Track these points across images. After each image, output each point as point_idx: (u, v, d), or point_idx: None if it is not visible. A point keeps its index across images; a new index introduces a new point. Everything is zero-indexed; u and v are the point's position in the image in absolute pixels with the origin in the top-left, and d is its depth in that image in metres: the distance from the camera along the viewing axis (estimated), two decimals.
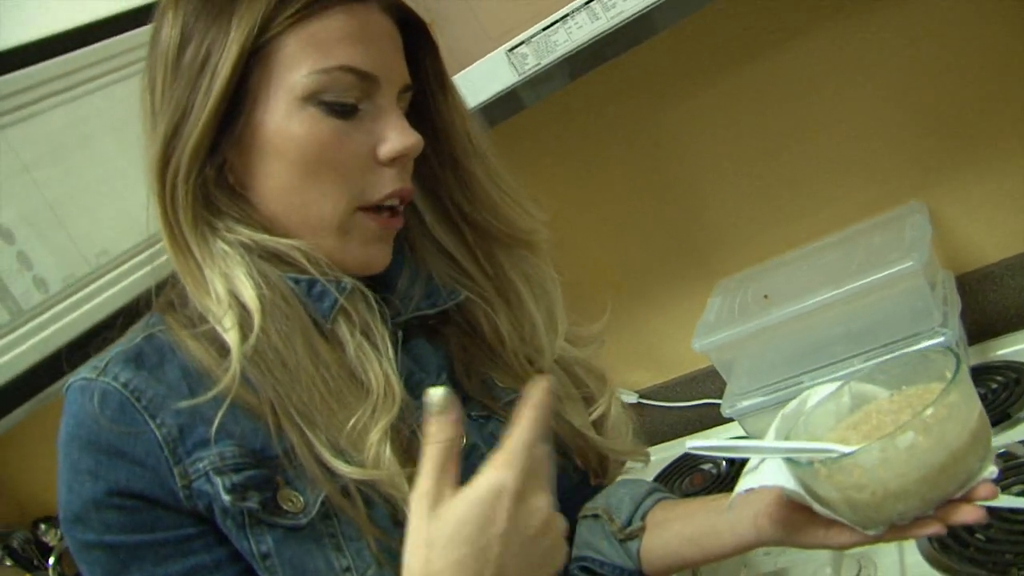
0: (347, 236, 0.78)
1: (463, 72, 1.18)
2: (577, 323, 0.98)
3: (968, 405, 0.68)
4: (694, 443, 0.75)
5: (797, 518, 0.75)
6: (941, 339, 1.20)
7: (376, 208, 0.78)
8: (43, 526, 2.40)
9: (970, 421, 0.68)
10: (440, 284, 0.88)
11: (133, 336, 0.77)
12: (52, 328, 1.43)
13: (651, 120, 1.48)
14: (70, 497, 0.71)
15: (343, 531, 0.73)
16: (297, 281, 0.76)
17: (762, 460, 0.75)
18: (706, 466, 1.50)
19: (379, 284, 0.84)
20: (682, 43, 1.38)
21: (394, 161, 0.77)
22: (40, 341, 1.41)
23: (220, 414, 0.70)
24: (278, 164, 0.75)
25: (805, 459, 0.70)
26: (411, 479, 0.69)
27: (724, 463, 1.48)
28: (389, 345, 0.76)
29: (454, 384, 0.87)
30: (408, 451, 0.73)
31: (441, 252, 0.89)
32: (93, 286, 1.49)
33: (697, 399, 1.61)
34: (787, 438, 0.77)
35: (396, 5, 0.79)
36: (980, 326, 1.39)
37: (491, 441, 0.85)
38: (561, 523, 0.68)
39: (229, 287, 0.73)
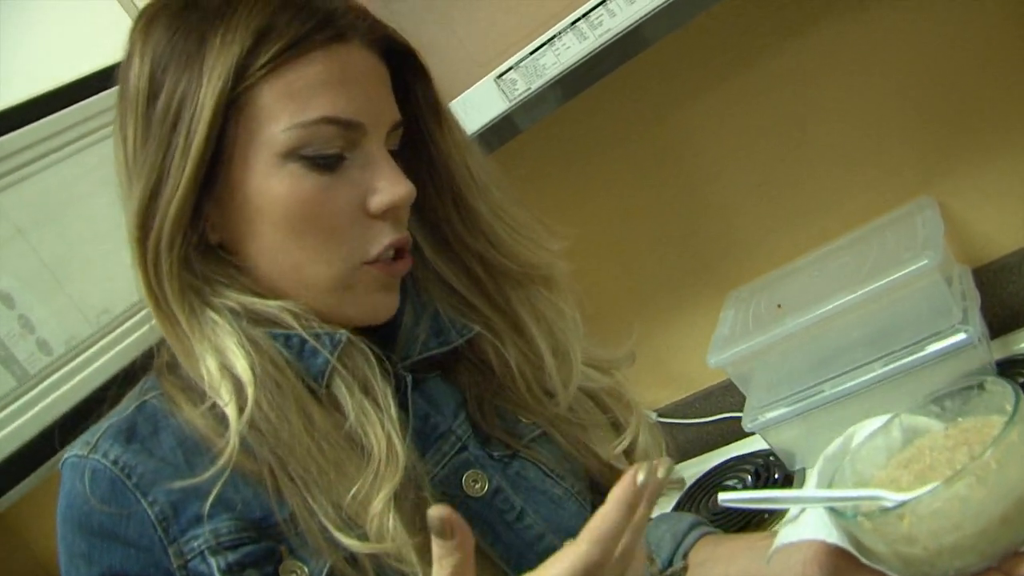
0: (351, 290, 0.73)
1: (452, 102, 1.16)
2: (599, 345, 0.93)
3: None
4: (726, 497, 0.70)
5: (846, 565, 0.70)
6: (963, 336, 1.17)
7: (378, 259, 0.73)
8: None
9: None
10: (447, 320, 0.82)
11: (128, 404, 0.74)
12: (60, 391, 1.42)
13: (650, 133, 1.46)
14: None
15: None
16: (288, 340, 0.71)
17: (802, 509, 0.71)
18: (731, 482, 1.47)
19: (382, 325, 0.80)
20: (676, 53, 1.36)
21: (387, 213, 0.72)
22: (49, 404, 1.40)
23: (215, 491, 0.67)
24: (263, 225, 0.71)
25: (850, 508, 0.66)
26: (419, 549, 0.65)
27: (750, 477, 1.45)
28: (392, 402, 0.71)
29: (473, 425, 0.82)
30: (415, 518, 0.68)
31: (445, 286, 0.83)
32: (96, 347, 1.49)
33: (716, 414, 1.58)
34: (831, 483, 0.71)
35: (381, 37, 0.73)
36: (1001, 319, 1.36)
37: (516, 481, 0.81)
38: None
39: (221, 360, 0.69)
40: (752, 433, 1.42)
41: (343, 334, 0.71)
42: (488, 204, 0.81)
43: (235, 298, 0.70)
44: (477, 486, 0.78)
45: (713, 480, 1.50)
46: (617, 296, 1.59)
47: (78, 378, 1.44)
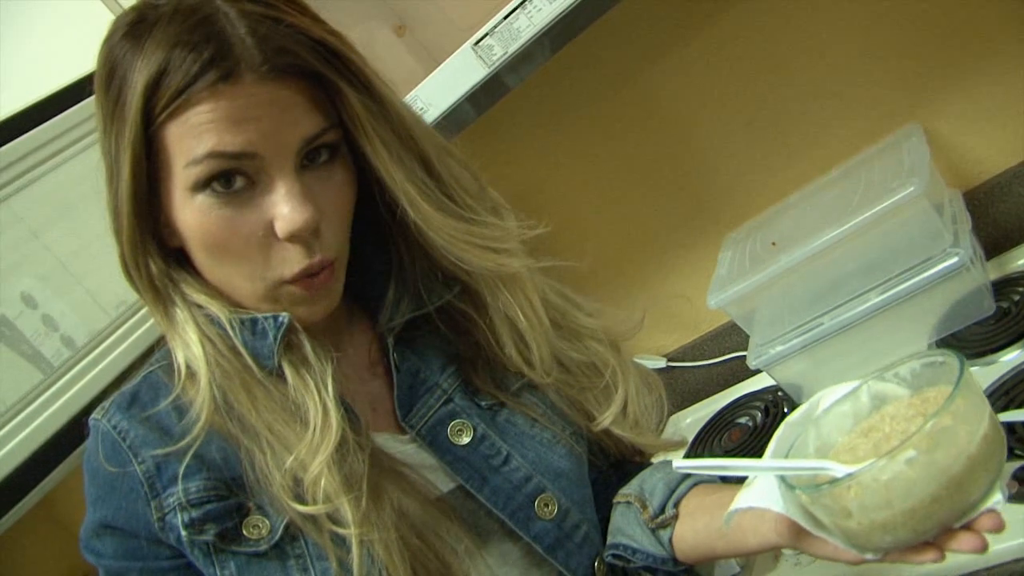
0: (277, 303, 0.79)
1: (434, 73, 1.19)
2: (602, 314, 0.97)
3: (969, 427, 0.63)
4: (680, 463, 0.75)
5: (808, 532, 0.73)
6: (954, 259, 1.19)
7: (298, 277, 0.78)
8: None
9: (970, 445, 0.62)
10: (424, 289, 0.88)
11: (139, 373, 0.85)
12: (84, 380, 1.48)
13: (636, 83, 1.47)
14: (83, 523, 0.81)
15: (309, 552, 0.77)
16: (241, 326, 0.79)
17: (755, 476, 0.73)
18: (743, 420, 1.50)
19: (370, 291, 0.88)
20: (655, 3, 1.37)
21: (293, 238, 0.75)
22: (75, 394, 1.47)
23: (187, 458, 0.77)
24: (190, 247, 0.79)
25: (794, 480, 0.68)
26: (354, 504, 0.74)
27: (759, 414, 1.48)
28: (329, 376, 0.78)
29: (462, 377, 0.89)
30: (352, 482, 0.76)
31: (425, 259, 0.87)
32: (114, 336, 1.54)
33: (724, 355, 1.61)
34: (792, 448, 0.73)
35: (281, 66, 0.73)
36: (995, 240, 1.37)
37: (504, 428, 0.88)
38: None
39: (184, 350, 0.79)
40: (759, 371, 1.45)
41: (285, 317, 0.79)
42: (422, 218, 0.81)
43: (193, 296, 0.79)
44: (462, 435, 0.86)
45: (724, 419, 1.53)
46: (618, 248, 1.62)
47: (100, 367, 1.51)
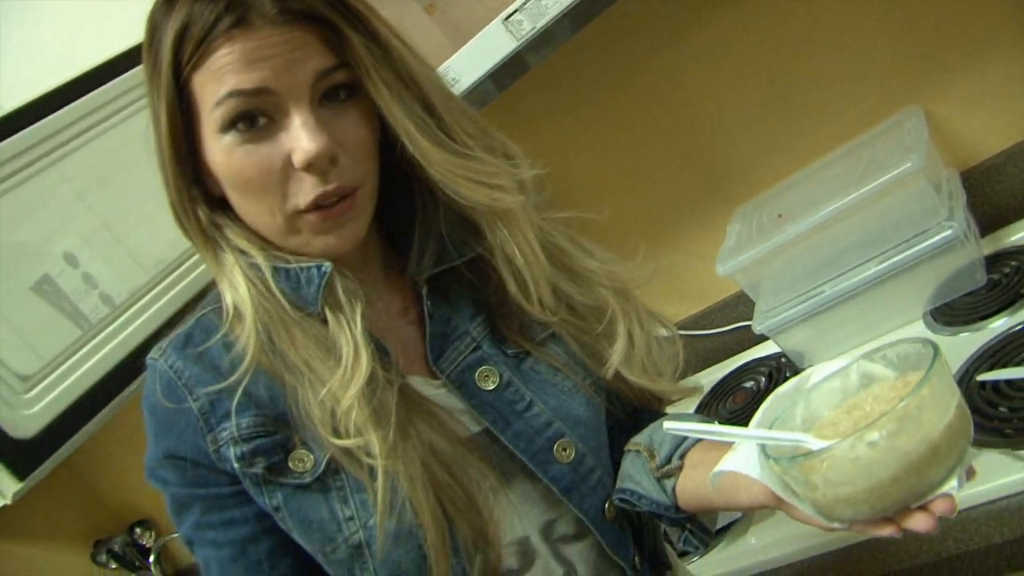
0: (299, 235, 0.85)
1: (467, 44, 1.26)
2: (616, 263, 1.01)
3: (934, 416, 0.65)
4: (670, 424, 0.80)
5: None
6: (948, 232, 1.27)
7: (315, 206, 0.83)
8: (139, 529, 2.55)
9: (933, 433, 0.65)
10: (450, 242, 0.93)
11: (192, 316, 0.91)
12: (120, 336, 1.56)
13: (652, 66, 1.55)
14: (147, 453, 0.88)
15: (349, 484, 0.84)
16: (287, 274, 0.86)
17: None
18: (748, 384, 1.58)
19: (401, 243, 0.94)
20: None
21: (309, 167, 0.81)
22: (110, 351, 1.54)
23: (238, 395, 0.83)
24: (224, 188, 0.86)
25: (772, 450, 0.72)
26: (381, 436, 0.81)
27: (764, 380, 1.56)
28: (359, 316, 0.85)
29: (491, 326, 0.95)
30: (382, 417, 0.82)
31: (447, 212, 0.92)
32: (153, 292, 1.61)
33: (731, 324, 1.69)
34: (777, 418, 0.77)
35: (290, 11, 0.80)
36: (991, 217, 1.44)
37: (528, 375, 0.93)
38: None
39: (232, 294, 0.86)
40: (764, 339, 1.53)
41: (328, 266, 0.85)
42: (421, 153, 0.85)
43: (237, 242, 0.87)
44: (489, 380, 0.92)
45: (731, 383, 1.61)
46: (633, 221, 1.69)
47: (136, 324, 1.58)
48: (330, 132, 0.81)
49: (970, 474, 0.69)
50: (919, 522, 0.67)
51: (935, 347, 0.69)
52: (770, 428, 0.76)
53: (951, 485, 0.66)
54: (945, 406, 0.66)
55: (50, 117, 1.50)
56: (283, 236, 0.85)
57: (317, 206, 0.82)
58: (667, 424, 0.81)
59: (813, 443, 0.71)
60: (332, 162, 0.82)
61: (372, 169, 0.87)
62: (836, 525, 0.72)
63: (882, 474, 0.65)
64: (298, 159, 0.80)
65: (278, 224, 0.84)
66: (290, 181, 0.82)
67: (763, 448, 0.73)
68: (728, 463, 0.77)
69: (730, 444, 0.78)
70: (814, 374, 0.79)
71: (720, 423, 0.88)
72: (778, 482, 0.73)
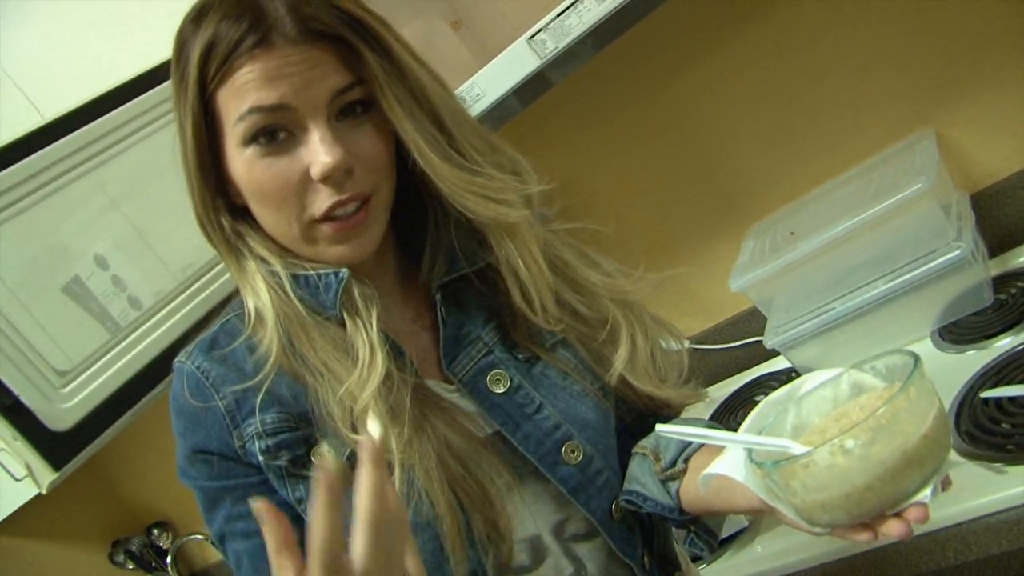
0: (315, 244, 0.89)
1: (492, 62, 1.31)
2: (622, 275, 1.04)
3: (910, 426, 0.67)
4: (663, 428, 0.84)
5: None
6: (956, 252, 1.30)
7: (330, 216, 0.87)
8: (156, 531, 2.59)
9: (907, 443, 0.66)
10: (460, 252, 0.96)
11: (216, 321, 0.96)
12: (150, 338, 1.61)
13: (670, 86, 1.59)
14: (177, 452, 0.92)
15: None
16: (306, 280, 0.90)
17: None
18: (759, 398, 1.61)
19: (414, 250, 0.98)
20: (689, 12, 1.49)
21: (326, 179, 0.85)
22: (139, 352, 1.59)
23: (261, 393, 0.88)
24: (246, 198, 0.90)
25: (757, 455, 0.74)
26: (397, 432, 0.85)
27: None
28: (374, 318, 0.89)
29: (502, 332, 0.98)
30: (398, 415, 0.86)
31: (457, 224, 0.96)
32: (181, 297, 1.66)
33: (744, 338, 1.72)
34: (768, 424, 0.79)
35: (309, 31, 0.84)
36: (1000, 239, 1.47)
37: (539, 379, 0.97)
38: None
39: (254, 299, 0.90)
40: (776, 354, 1.56)
41: (344, 273, 0.89)
42: (431, 168, 0.89)
43: (257, 250, 0.91)
44: (500, 384, 0.96)
45: (743, 396, 1.65)
46: (650, 237, 1.74)
47: (165, 327, 1.63)
48: (346, 146, 0.85)
49: (946, 484, 0.70)
50: (893, 528, 0.70)
51: (916, 359, 0.71)
52: (759, 433, 0.78)
53: (924, 494, 0.68)
54: (922, 417, 0.68)
55: (88, 126, 1.55)
56: (300, 245, 0.89)
57: (332, 216, 0.87)
58: (660, 428, 0.85)
59: (797, 449, 0.73)
60: (348, 174, 0.86)
61: (386, 179, 0.91)
62: (818, 530, 0.74)
63: (856, 481, 0.67)
64: (316, 171, 0.84)
65: (295, 233, 0.88)
66: (307, 192, 0.86)
67: (749, 453, 0.76)
68: (716, 466, 0.80)
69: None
70: (806, 382, 0.81)
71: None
72: (762, 486, 0.76)
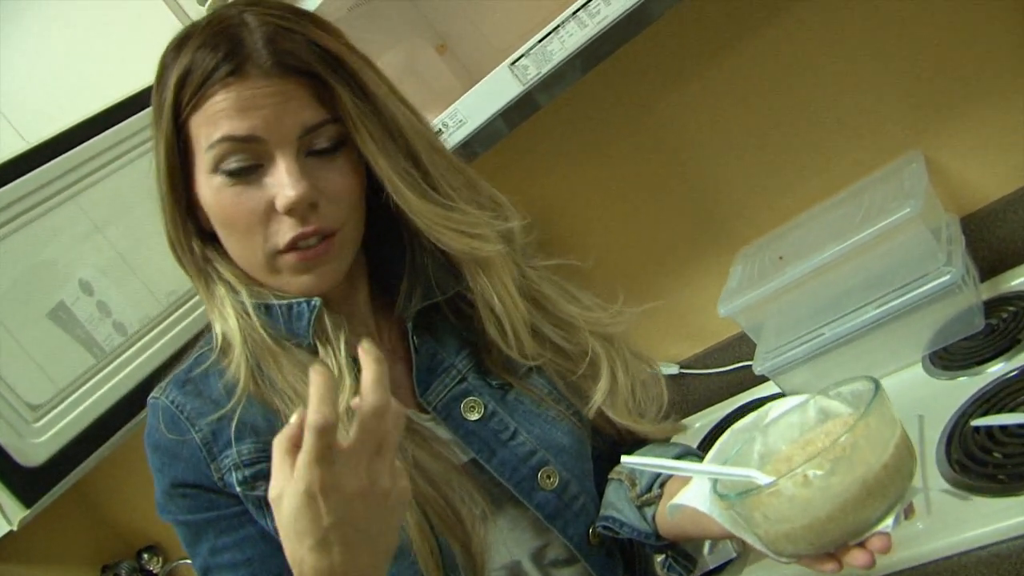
0: (279, 274, 0.90)
1: (474, 88, 1.30)
2: (599, 308, 1.05)
3: (868, 455, 0.67)
4: (628, 460, 0.83)
5: None
6: (946, 277, 1.28)
7: (293, 247, 0.88)
8: (146, 555, 2.56)
9: (868, 473, 0.66)
10: (436, 284, 0.96)
11: (190, 355, 0.96)
12: (132, 365, 1.59)
13: (656, 108, 1.58)
14: (156, 489, 0.92)
15: None
16: (274, 310, 0.90)
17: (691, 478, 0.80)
18: None
19: (390, 285, 0.98)
20: (674, 34, 1.48)
21: (291, 211, 0.86)
22: (124, 378, 1.57)
23: (234, 423, 0.88)
24: (213, 224, 0.91)
25: (720, 486, 0.74)
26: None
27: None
28: (343, 342, 0.89)
29: (476, 359, 0.98)
30: None
31: (433, 257, 0.96)
32: (165, 323, 1.65)
33: (732, 364, 1.70)
34: (734, 453, 0.79)
35: (284, 65, 0.85)
36: (991, 263, 1.46)
37: (513, 406, 0.97)
38: (393, 483, 0.73)
39: (222, 325, 0.91)
40: (765, 379, 1.54)
41: (317, 301, 0.90)
42: (405, 203, 0.90)
43: (227, 277, 0.92)
44: (474, 411, 0.96)
45: (731, 422, 1.61)
46: (636, 262, 1.73)
47: (150, 352, 1.61)
48: (313, 180, 0.86)
49: (908, 512, 0.70)
50: (856, 558, 0.70)
51: (877, 386, 0.70)
52: (724, 463, 0.78)
53: (886, 524, 0.68)
54: (883, 445, 0.68)
55: (72, 151, 1.55)
56: (264, 274, 0.90)
57: (295, 247, 0.87)
58: (625, 459, 0.84)
59: (762, 479, 0.73)
60: (312, 207, 0.87)
61: (354, 215, 0.91)
62: (784, 560, 0.73)
63: (818, 512, 0.67)
64: (280, 204, 0.85)
65: (260, 262, 0.89)
66: (271, 222, 0.87)
67: (714, 483, 0.75)
68: (683, 497, 0.80)
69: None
70: (772, 409, 0.81)
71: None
72: (727, 517, 0.75)
